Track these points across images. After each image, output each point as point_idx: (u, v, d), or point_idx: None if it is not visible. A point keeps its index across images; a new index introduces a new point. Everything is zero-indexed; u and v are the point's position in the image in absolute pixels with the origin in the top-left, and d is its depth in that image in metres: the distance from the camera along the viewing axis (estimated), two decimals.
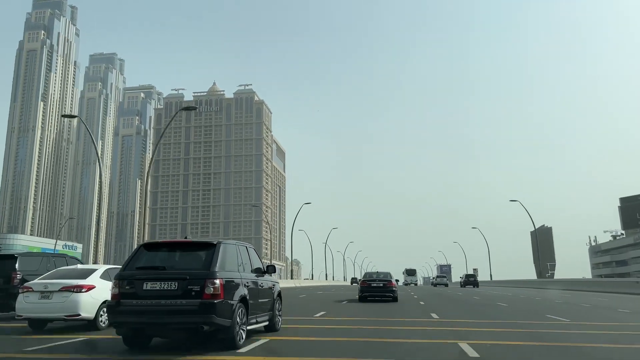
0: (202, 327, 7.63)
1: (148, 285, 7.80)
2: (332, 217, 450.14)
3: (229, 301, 7.94)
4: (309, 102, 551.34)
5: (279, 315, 10.86)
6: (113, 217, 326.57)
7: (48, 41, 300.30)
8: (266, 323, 10.00)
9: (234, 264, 8.68)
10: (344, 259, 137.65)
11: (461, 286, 61.43)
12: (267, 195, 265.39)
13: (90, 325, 11.24)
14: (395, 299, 23.23)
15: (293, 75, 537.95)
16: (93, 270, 11.96)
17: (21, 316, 11.17)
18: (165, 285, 7.76)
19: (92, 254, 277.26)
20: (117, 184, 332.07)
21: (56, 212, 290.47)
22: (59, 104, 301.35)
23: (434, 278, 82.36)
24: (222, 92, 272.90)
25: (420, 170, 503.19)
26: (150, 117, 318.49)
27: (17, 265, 13.75)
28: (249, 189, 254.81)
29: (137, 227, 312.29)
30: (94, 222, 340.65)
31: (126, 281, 7.97)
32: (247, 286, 8.75)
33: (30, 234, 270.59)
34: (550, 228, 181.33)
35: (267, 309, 10.01)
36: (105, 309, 10.72)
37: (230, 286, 8.08)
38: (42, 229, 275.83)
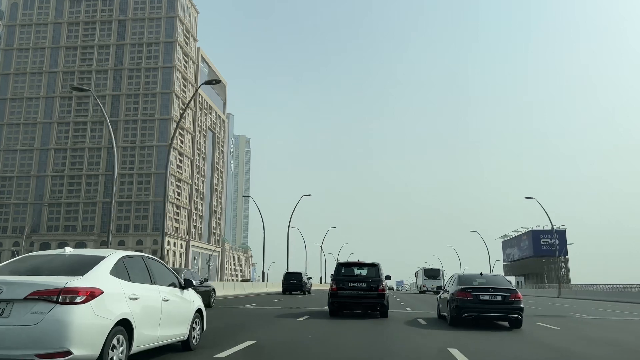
0: (379, 306, 16.20)
1: (351, 284, 16.33)
2: (302, 191, 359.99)
3: (386, 293, 16.35)
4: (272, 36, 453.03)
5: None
6: None
7: None
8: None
9: (383, 274, 16.93)
10: (321, 250, 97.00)
11: None
12: (182, 135, 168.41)
13: None
14: (519, 323, 13.57)
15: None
16: (98, 259, 6.23)
17: None
18: (359, 284, 16.30)
19: None
20: None
21: None
22: None
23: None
24: None
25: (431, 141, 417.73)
26: None
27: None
28: (150, 123, 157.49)
29: None
30: None
31: (339, 281, 16.44)
32: (387, 286, 17.11)
33: None
34: None
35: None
36: (115, 342, 5.88)
37: (386, 286, 16.53)
38: None
